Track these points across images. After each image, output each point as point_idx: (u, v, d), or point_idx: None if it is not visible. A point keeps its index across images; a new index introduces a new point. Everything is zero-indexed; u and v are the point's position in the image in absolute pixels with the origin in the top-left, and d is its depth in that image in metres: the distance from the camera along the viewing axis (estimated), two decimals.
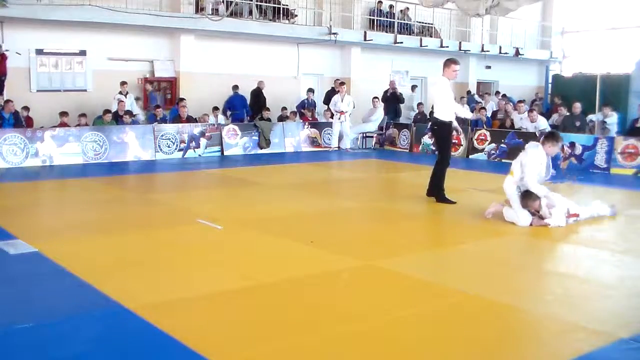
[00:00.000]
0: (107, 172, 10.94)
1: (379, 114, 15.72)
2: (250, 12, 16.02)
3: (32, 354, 3.44)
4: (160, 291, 4.49)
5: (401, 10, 19.67)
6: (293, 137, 14.75)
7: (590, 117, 13.64)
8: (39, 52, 13.79)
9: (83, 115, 12.83)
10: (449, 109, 8.12)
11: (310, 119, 15.66)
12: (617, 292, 4.70)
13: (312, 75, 18.04)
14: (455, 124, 8.40)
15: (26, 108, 12.72)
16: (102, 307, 4.13)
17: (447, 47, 19.57)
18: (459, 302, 4.38)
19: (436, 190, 8.15)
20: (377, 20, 19.05)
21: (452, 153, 10.52)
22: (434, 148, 12.23)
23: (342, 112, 14.71)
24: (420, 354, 3.52)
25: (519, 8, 12.60)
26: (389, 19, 19.22)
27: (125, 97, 13.76)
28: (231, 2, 14.32)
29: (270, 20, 16.29)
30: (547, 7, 23.76)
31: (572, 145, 12.04)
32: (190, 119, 13.82)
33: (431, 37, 20.01)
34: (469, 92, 19.55)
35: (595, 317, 4.16)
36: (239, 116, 15.21)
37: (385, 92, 16.64)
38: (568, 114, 13.99)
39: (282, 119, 15.44)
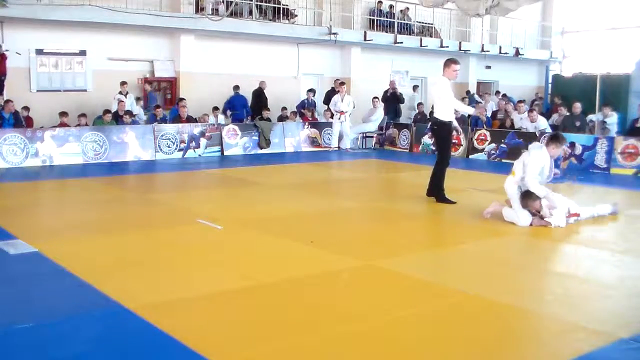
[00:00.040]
0: (107, 172, 10.94)
1: (379, 114, 15.71)
2: (250, 12, 16.03)
3: (32, 354, 3.44)
4: (160, 291, 4.49)
5: (401, 10, 19.67)
6: (293, 137, 14.75)
7: (590, 117, 13.63)
8: (39, 52, 13.79)
9: (83, 115, 12.84)
10: (449, 108, 8.12)
11: (310, 119, 15.65)
12: (617, 292, 4.70)
13: (312, 75, 18.05)
14: (455, 123, 8.40)
15: (26, 108, 12.73)
16: (102, 307, 4.13)
17: (447, 47, 19.57)
18: (459, 302, 4.38)
19: (436, 190, 8.15)
20: (377, 20, 19.05)
21: (452, 153, 10.53)
22: (434, 148, 12.23)
23: (342, 112, 14.71)
24: (420, 354, 3.52)
25: (519, 8, 12.58)
26: (389, 19, 19.22)
27: (125, 97, 13.77)
28: (231, 2, 14.32)
29: (270, 20, 16.29)
30: (547, 7, 23.76)
31: (572, 145, 12.02)
32: (190, 119, 13.82)
33: (431, 37, 20.02)
34: (468, 92, 19.53)
35: (595, 317, 4.16)
36: (239, 116, 15.22)
37: (385, 92, 16.64)
38: (568, 114, 13.98)
39: (282, 119, 15.44)
